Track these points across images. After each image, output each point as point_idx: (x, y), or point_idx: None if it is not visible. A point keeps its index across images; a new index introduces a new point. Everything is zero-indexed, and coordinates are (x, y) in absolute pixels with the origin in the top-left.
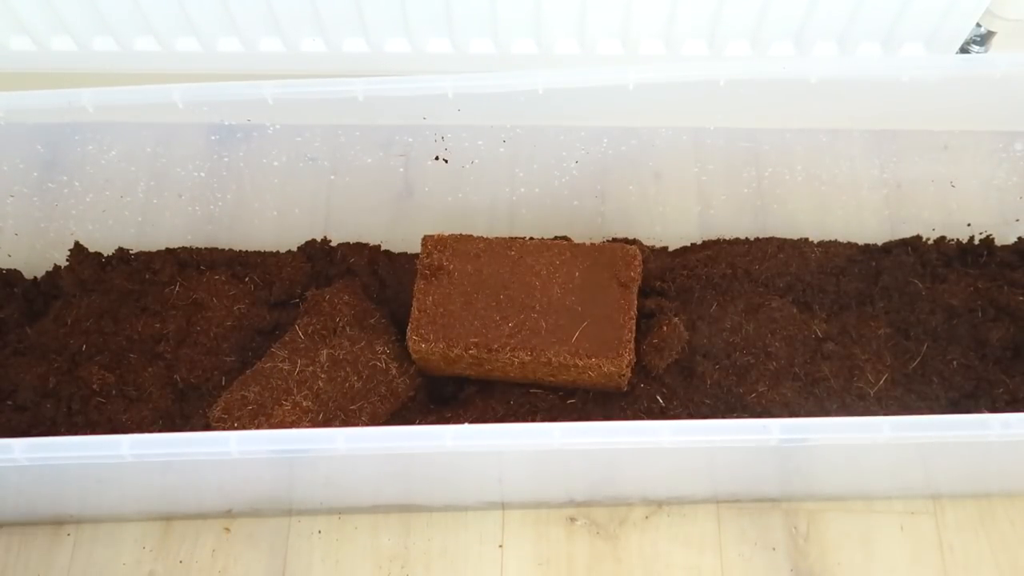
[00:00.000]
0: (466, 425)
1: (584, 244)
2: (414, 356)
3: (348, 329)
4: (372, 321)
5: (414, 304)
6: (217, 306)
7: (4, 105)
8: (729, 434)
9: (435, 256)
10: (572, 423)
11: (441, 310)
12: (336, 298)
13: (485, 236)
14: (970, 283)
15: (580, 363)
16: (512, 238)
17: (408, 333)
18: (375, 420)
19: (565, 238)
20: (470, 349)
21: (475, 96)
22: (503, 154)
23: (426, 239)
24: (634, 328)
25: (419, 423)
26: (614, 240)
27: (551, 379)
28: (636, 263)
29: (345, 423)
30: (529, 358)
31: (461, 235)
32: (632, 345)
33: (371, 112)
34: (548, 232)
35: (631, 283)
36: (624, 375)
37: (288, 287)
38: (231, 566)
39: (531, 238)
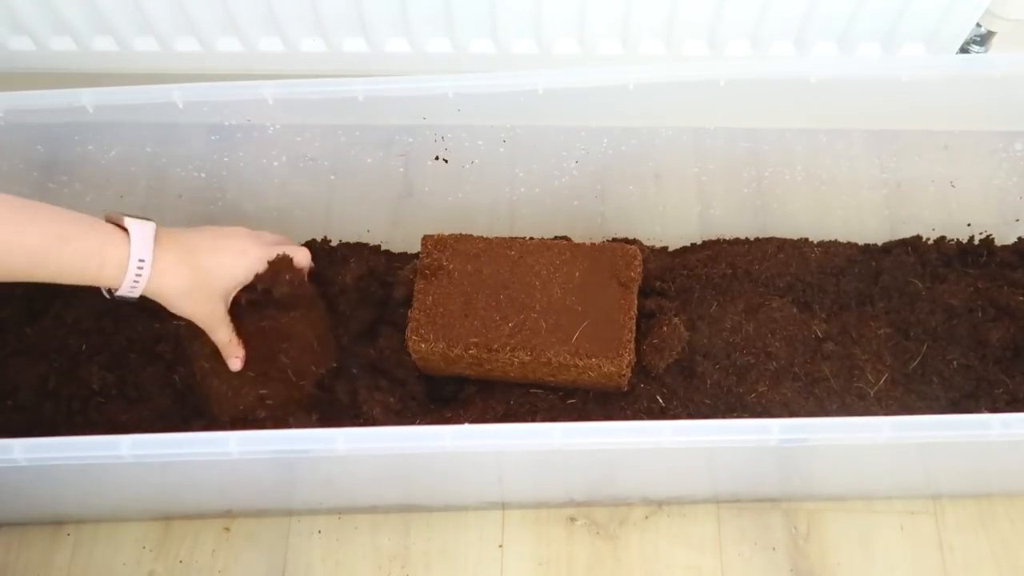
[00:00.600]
0: (466, 425)
1: (584, 244)
2: (414, 356)
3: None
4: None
5: (414, 304)
6: None
7: (4, 105)
8: (729, 434)
9: (435, 256)
10: (572, 423)
11: (441, 310)
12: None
13: (485, 236)
14: (970, 283)
15: (580, 363)
16: (512, 238)
17: (408, 333)
18: (316, 327)
19: (565, 238)
20: (470, 349)
21: (475, 96)
22: (503, 154)
23: (426, 239)
24: (634, 328)
25: (419, 423)
26: (614, 240)
27: (551, 379)
28: (636, 263)
29: (297, 372)
30: (529, 358)
31: (461, 235)
32: (632, 345)
33: (371, 112)
34: (548, 232)
35: (631, 283)
36: (624, 375)
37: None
38: (231, 566)
39: (531, 238)
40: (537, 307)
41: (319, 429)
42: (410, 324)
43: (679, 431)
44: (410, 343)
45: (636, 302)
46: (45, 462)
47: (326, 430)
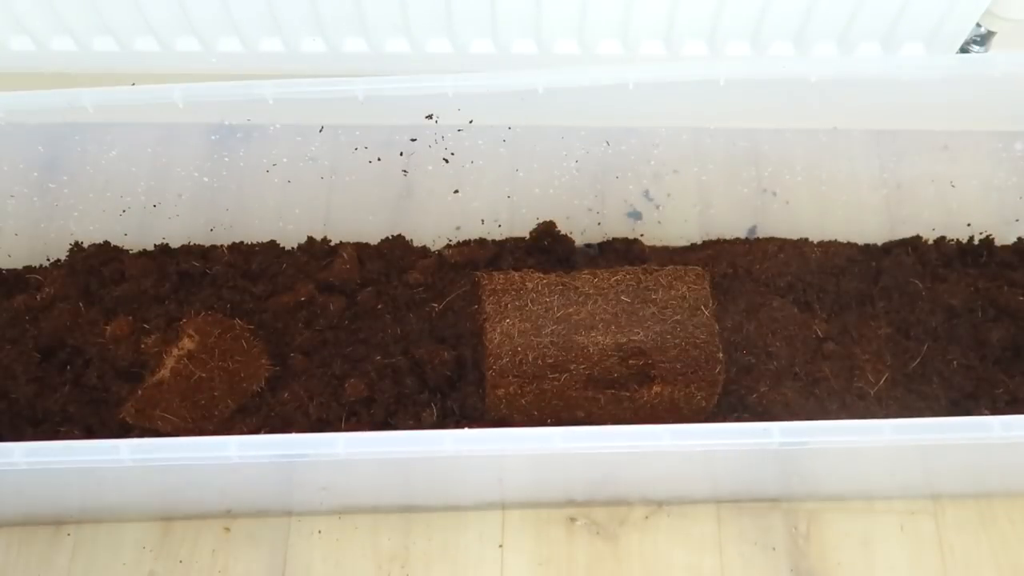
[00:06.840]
0: (466, 429)
1: (647, 269)
2: (493, 399)
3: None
4: None
5: (488, 351)
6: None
7: (4, 105)
8: (729, 438)
9: (499, 298)
10: (572, 427)
11: (514, 350)
12: None
13: (541, 273)
14: (970, 283)
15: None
16: (567, 271)
17: (488, 385)
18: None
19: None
20: (549, 343)
21: (475, 96)
22: (503, 154)
23: (481, 282)
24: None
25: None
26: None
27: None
28: (704, 283)
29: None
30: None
31: (521, 274)
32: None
33: (371, 112)
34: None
35: (704, 304)
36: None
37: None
38: (231, 566)
39: (589, 271)
40: (613, 327)
41: (319, 434)
42: (488, 374)
43: (679, 435)
44: (490, 392)
45: (716, 324)
46: (45, 466)
47: (326, 435)
